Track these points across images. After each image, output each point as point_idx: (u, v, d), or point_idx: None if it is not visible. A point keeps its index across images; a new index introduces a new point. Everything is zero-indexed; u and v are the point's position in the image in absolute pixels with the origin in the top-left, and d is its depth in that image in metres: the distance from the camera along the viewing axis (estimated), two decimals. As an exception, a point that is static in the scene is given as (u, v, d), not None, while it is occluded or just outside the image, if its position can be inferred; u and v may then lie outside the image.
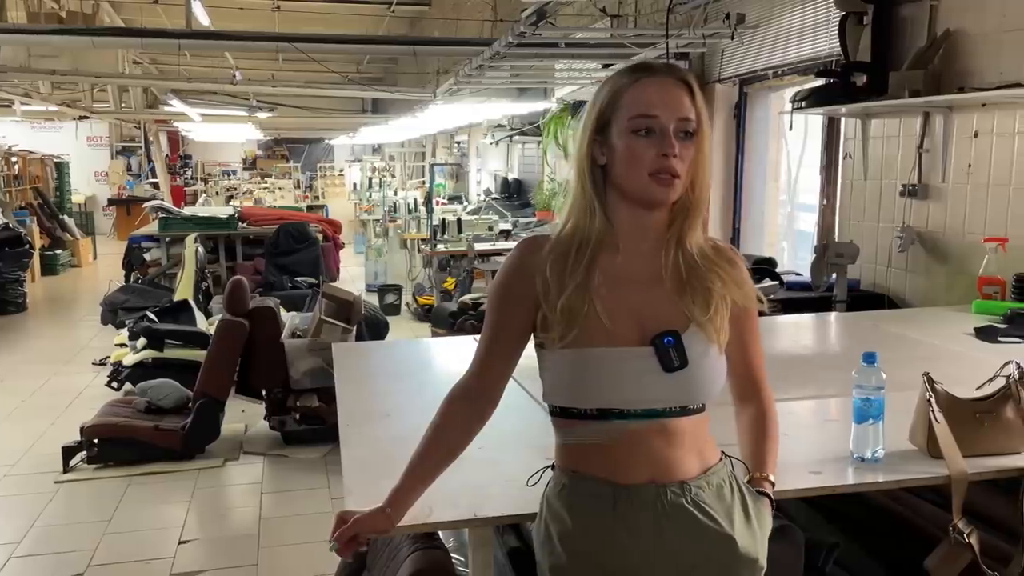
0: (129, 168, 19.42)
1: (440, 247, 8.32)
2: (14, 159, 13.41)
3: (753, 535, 1.42)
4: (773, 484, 1.50)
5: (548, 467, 1.49)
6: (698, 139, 1.38)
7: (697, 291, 1.39)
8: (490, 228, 8.51)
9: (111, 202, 17.78)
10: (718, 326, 1.39)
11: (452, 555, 1.93)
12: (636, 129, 1.36)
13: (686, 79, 1.40)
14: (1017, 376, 1.80)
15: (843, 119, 4.29)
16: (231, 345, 4.77)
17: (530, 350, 1.47)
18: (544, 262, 1.41)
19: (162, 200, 12.43)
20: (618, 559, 1.38)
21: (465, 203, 11.90)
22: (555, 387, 1.42)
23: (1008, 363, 1.83)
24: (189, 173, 21.19)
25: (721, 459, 1.45)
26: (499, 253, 7.38)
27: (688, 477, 1.39)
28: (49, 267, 12.12)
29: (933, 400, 1.76)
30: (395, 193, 12.97)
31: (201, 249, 8.21)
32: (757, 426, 1.54)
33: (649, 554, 1.37)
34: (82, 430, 4.57)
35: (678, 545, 1.37)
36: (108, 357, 6.43)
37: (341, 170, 20.37)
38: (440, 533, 1.94)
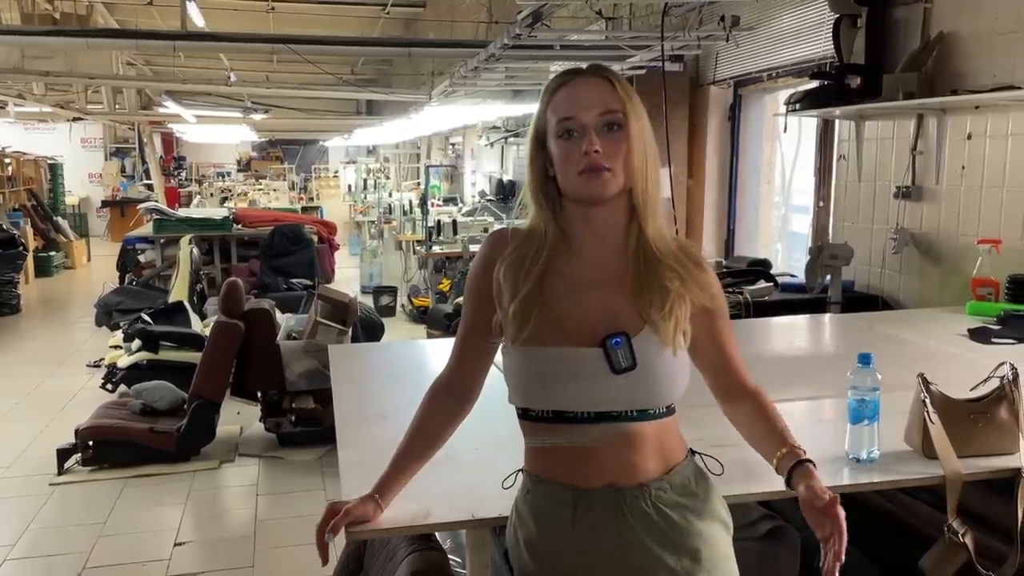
0: (123, 170, 19.37)
1: (435, 249, 8.32)
2: (8, 160, 13.37)
3: (713, 535, 1.41)
4: (804, 450, 1.43)
5: (520, 471, 1.49)
6: (627, 130, 1.37)
7: (654, 290, 1.38)
8: (485, 230, 8.51)
9: (105, 204, 17.75)
10: (673, 326, 1.37)
11: (449, 556, 1.93)
12: (560, 134, 1.38)
13: (605, 74, 1.40)
14: (1011, 377, 1.81)
15: (837, 121, 4.30)
16: (226, 347, 4.77)
17: None
18: (503, 262, 1.43)
19: (156, 202, 12.40)
20: (579, 563, 1.38)
21: (460, 204, 11.90)
22: (513, 388, 1.43)
23: (1002, 364, 1.84)
24: (183, 174, 21.13)
25: (687, 457, 1.44)
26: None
27: (648, 479, 1.38)
28: (43, 269, 12.09)
29: (928, 401, 1.77)
30: (390, 195, 12.97)
31: (196, 251, 8.20)
32: (758, 412, 1.49)
33: (610, 557, 1.37)
34: (77, 432, 4.56)
35: (640, 548, 1.36)
36: (102, 359, 6.42)
37: (336, 172, 20.36)
38: (437, 534, 1.95)
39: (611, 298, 1.39)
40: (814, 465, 1.41)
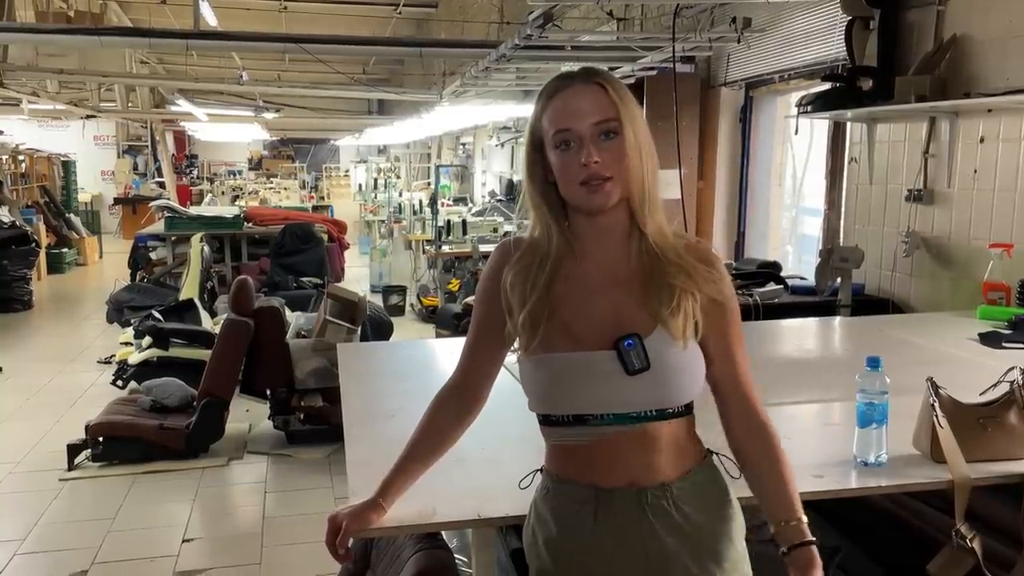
0: (135, 167, 19.48)
1: (445, 248, 8.33)
2: (21, 157, 13.46)
3: (731, 536, 1.42)
4: (807, 525, 1.37)
5: (538, 470, 1.50)
6: (623, 135, 1.36)
7: (662, 288, 1.38)
8: (495, 230, 8.51)
9: (117, 201, 17.86)
10: (681, 321, 1.36)
11: (455, 556, 1.93)
12: (557, 145, 1.37)
13: (597, 80, 1.39)
14: (1021, 382, 1.80)
15: (849, 123, 4.29)
16: (236, 344, 4.79)
17: None
18: (510, 272, 1.43)
19: (168, 199, 12.46)
20: (601, 562, 1.38)
21: (470, 204, 11.90)
22: (532, 395, 1.43)
23: (1012, 369, 1.83)
24: (195, 173, 21.24)
25: (706, 456, 1.45)
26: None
27: (669, 479, 1.39)
28: (55, 265, 12.16)
29: (937, 405, 1.76)
30: (400, 194, 12.98)
31: (207, 248, 8.23)
32: (770, 461, 1.41)
33: (631, 557, 1.38)
34: (87, 428, 4.59)
35: (662, 548, 1.37)
36: (113, 355, 6.46)
37: (346, 171, 20.42)
38: (443, 533, 1.95)
39: (620, 300, 1.40)
40: (818, 547, 1.36)
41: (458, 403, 1.55)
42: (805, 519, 1.39)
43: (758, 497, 1.44)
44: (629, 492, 1.38)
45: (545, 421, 1.44)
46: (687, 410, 1.41)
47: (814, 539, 1.37)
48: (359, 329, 5.13)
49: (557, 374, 1.38)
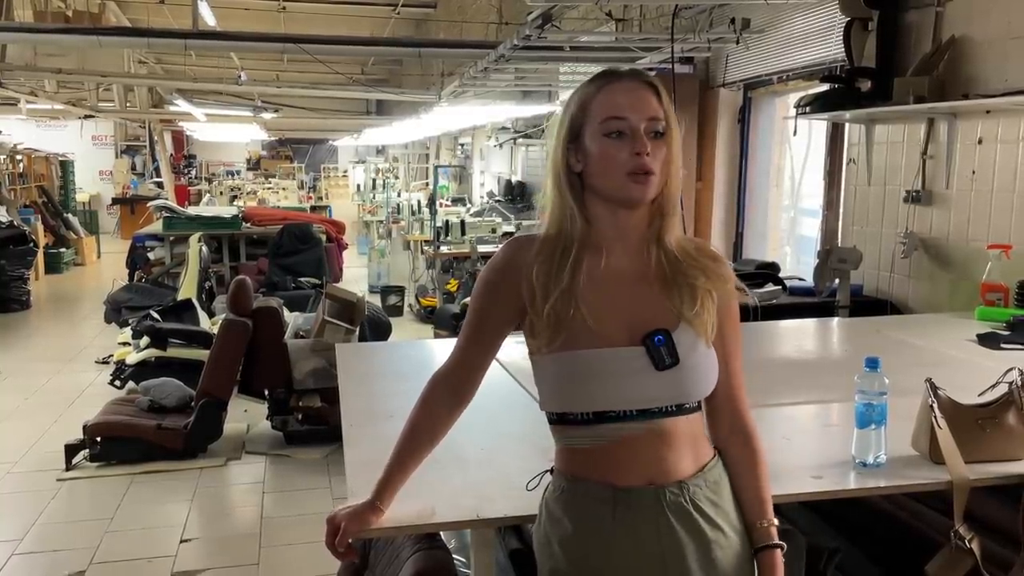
0: (133, 167, 19.47)
1: (443, 249, 8.33)
2: (19, 157, 13.45)
3: (741, 534, 1.43)
4: (777, 528, 1.43)
5: (547, 471, 1.49)
6: (668, 139, 1.40)
7: (683, 287, 1.40)
8: (493, 230, 8.51)
9: (115, 201, 17.85)
10: (705, 320, 1.40)
11: (454, 556, 1.93)
12: (608, 132, 1.38)
13: (651, 81, 1.42)
14: (1020, 383, 1.80)
15: (847, 124, 4.29)
16: (234, 345, 4.78)
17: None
18: (530, 267, 1.42)
19: (166, 199, 12.44)
20: (619, 562, 1.38)
21: (468, 205, 11.90)
22: (550, 394, 1.42)
23: (1011, 369, 1.83)
24: (193, 173, 21.23)
25: (715, 455, 1.45)
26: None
27: (685, 476, 1.40)
28: (53, 265, 12.15)
29: (935, 406, 1.76)
30: (399, 194, 12.99)
31: (205, 249, 8.23)
32: (750, 464, 1.46)
33: (650, 556, 1.38)
34: (85, 428, 4.58)
35: (679, 546, 1.38)
36: (111, 355, 6.45)
37: (345, 171, 20.42)
38: (442, 534, 1.95)
39: (642, 297, 1.41)
40: (783, 550, 1.43)
41: (452, 396, 1.53)
42: (775, 522, 1.45)
43: (735, 495, 1.46)
44: (647, 491, 1.38)
45: (560, 420, 1.42)
46: (699, 407, 1.43)
47: (780, 543, 1.44)
48: (357, 329, 5.13)
49: (579, 371, 1.38)
